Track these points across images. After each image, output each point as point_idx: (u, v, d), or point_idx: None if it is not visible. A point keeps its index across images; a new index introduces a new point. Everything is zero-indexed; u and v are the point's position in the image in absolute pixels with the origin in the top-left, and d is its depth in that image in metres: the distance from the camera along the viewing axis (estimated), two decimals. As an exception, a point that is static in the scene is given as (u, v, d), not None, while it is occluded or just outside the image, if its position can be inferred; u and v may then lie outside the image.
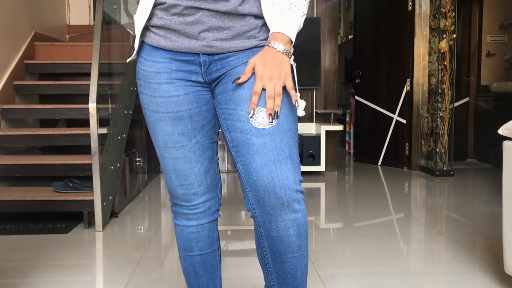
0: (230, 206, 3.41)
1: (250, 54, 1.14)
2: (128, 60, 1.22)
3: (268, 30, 1.15)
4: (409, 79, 5.11)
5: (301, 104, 1.26)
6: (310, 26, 4.85)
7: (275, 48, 1.06)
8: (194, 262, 1.30)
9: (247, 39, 1.13)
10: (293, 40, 1.09)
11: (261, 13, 1.13)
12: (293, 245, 1.10)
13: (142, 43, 1.20)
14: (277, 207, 1.06)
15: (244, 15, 1.11)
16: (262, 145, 1.06)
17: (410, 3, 5.03)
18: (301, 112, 1.26)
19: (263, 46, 1.14)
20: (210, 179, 1.24)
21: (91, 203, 2.86)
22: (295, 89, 1.11)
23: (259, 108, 1.06)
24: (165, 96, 1.15)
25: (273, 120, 1.06)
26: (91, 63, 3.15)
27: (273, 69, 1.05)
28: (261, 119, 1.07)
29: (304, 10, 1.11)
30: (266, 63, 1.05)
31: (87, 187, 2.98)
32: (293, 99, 1.07)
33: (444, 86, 4.75)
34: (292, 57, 1.19)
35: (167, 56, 1.14)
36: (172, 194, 1.24)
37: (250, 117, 1.06)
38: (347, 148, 7.00)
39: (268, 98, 1.05)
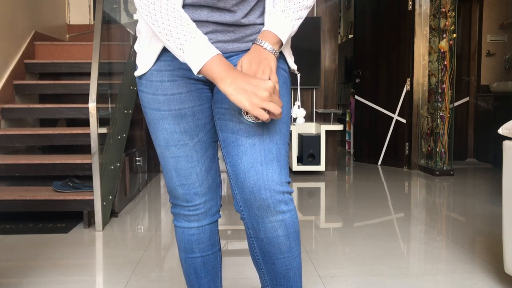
0: (230, 206, 3.41)
1: None
2: (137, 75, 1.18)
3: None
4: (409, 79, 5.11)
5: (301, 113, 1.25)
6: (310, 26, 4.85)
7: (262, 46, 1.05)
8: (195, 264, 1.29)
9: (249, 41, 1.15)
10: (283, 41, 1.07)
11: (264, 23, 1.14)
12: (283, 246, 1.10)
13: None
14: (263, 208, 1.05)
15: (248, 25, 1.12)
16: (251, 146, 1.05)
17: (410, 3, 5.03)
18: (301, 120, 1.25)
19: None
20: (211, 179, 1.23)
21: (91, 202, 2.86)
22: (298, 100, 1.11)
23: None
24: (167, 94, 1.15)
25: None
26: (91, 63, 3.15)
27: (257, 66, 1.03)
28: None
29: (300, 14, 1.08)
30: (251, 61, 1.04)
31: (87, 186, 2.98)
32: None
33: (444, 85, 4.75)
34: (296, 66, 1.19)
35: (170, 54, 1.14)
36: (173, 194, 1.24)
37: (245, 116, 1.06)
38: (347, 147, 7.00)
39: None
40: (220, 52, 1.01)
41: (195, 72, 1.00)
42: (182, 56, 1.00)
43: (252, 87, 0.96)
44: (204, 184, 1.22)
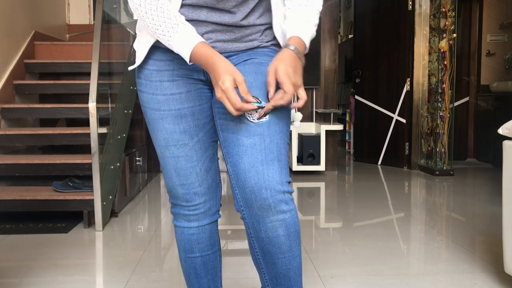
0: (230, 206, 3.41)
1: (251, 54, 1.15)
2: (130, 68, 1.20)
3: (270, 33, 1.17)
4: (409, 79, 5.11)
5: (298, 116, 1.29)
6: (310, 25, 4.85)
7: (297, 54, 1.07)
8: (195, 263, 1.29)
9: (249, 41, 1.15)
10: (307, 47, 1.10)
11: (264, 22, 1.15)
12: (283, 246, 1.10)
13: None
14: (264, 208, 1.05)
15: (247, 26, 1.13)
16: (251, 146, 1.06)
17: (410, 3, 5.03)
18: (297, 124, 1.27)
19: (264, 46, 1.16)
20: (211, 179, 1.23)
21: (91, 202, 2.86)
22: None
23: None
24: (167, 94, 1.15)
25: (263, 117, 1.07)
26: (91, 63, 3.14)
27: (298, 77, 1.06)
28: (255, 113, 1.07)
29: (317, 20, 1.13)
30: (291, 69, 1.05)
31: (87, 186, 2.98)
32: (296, 105, 1.09)
33: (444, 85, 4.75)
34: None
35: (169, 54, 1.15)
36: (172, 194, 1.24)
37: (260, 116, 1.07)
38: (347, 147, 7.00)
39: (280, 102, 1.04)
40: (204, 40, 1.06)
41: (188, 62, 1.06)
42: (174, 50, 1.08)
43: (214, 79, 1.03)
44: (203, 184, 1.22)
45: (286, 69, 1.03)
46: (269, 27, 1.17)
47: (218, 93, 1.02)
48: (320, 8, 1.14)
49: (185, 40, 1.04)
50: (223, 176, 4.23)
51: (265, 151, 1.06)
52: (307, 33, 1.10)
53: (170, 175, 1.20)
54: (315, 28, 1.12)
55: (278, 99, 1.04)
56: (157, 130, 1.18)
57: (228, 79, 1.00)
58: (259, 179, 1.04)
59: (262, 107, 1.05)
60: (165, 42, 1.07)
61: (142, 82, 1.18)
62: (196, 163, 1.19)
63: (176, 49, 1.06)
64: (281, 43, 1.19)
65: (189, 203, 1.22)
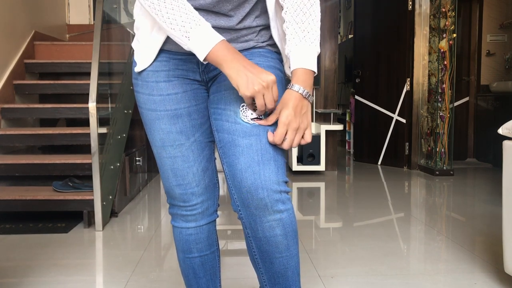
0: (229, 206, 3.41)
1: (247, 54, 1.14)
2: (137, 70, 1.18)
3: (266, 33, 1.17)
4: (409, 79, 5.11)
5: None
6: (310, 25, 4.85)
7: (301, 94, 1.05)
8: (194, 264, 1.29)
9: (245, 41, 1.14)
10: (315, 71, 1.07)
11: (260, 24, 1.14)
12: (281, 245, 1.10)
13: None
14: (261, 208, 1.05)
15: (243, 29, 1.13)
16: (248, 146, 1.06)
17: (410, 3, 5.03)
18: None
19: (260, 47, 1.16)
20: (208, 179, 1.23)
21: (91, 202, 2.86)
22: None
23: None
24: (163, 94, 1.15)
25: (256, 120, 1.07)
26: (91, 63, 3.15)
27: (302, 119, 1.05)
28: (249, 114, 1.07)
29: (318, 33, 1.10)
30: (296, 112, 1.04)
31: (87, 186, 2.98)
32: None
33: (444, 85, 4.75)
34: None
35: (165, 55, 1.14)
36: (170, 194, 1.24)
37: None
38: (347, 147, 7.00)
39: (281, 142, 1.05)
40: (224, 38, 1.03)
41: (201, 58, 1.01)
42: (188, 44, 1.02)
43: (252, 75, 0.99)
44: (201, 184, 1.22)
45: (288, 115, 1.04)
46: (265, 27, 1.16)
47: (257, 87, 0.99)
48: (319, 17, 1.11)
49: (207, 36, 1.00)
50: (222, 176, 4.23)
51: (261, 152, 1.05)
52: (312, 57, 1.07)
53: (167, 176, 1.21)
54: (318, 42, 1.09)
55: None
56: (154, 130, 1.18)
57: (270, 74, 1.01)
58: (256, 179, 1.04)
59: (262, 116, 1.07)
60: (181, 35, 1.01)
61: (138, 83, 1.18)
62: (192, 163, 1.19)
63: (192, 44, 1.01)
64: (279, 45, 1.18)
65: (187, 204, 1.22)
